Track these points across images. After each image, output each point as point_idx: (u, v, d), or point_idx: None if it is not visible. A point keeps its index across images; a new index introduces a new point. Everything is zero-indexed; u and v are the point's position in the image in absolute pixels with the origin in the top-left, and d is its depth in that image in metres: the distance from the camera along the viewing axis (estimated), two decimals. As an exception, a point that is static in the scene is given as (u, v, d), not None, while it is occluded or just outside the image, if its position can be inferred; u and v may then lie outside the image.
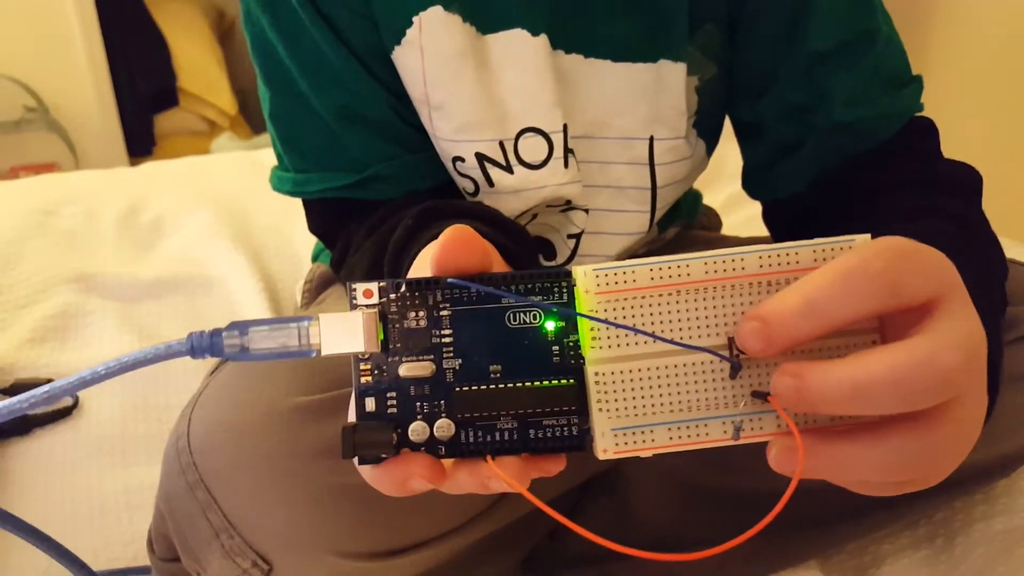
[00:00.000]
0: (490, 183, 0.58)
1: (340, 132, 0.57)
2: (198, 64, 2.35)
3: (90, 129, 2.18)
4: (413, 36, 0.55)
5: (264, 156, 1.40)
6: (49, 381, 0.43)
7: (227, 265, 1.04)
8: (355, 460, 0.31)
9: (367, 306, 0.31)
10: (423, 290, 0.32)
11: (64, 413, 0.80)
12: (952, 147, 0.57)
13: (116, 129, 2.24)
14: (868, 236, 0.30)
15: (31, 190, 1.28)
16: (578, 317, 0.31)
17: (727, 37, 0.59)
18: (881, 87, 0.56)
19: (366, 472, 0.32)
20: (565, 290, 0.31)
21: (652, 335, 0.30)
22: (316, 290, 0.80)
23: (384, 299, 0.31)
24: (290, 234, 1.11)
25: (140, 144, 2.31)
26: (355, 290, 0.32)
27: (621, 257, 0.65)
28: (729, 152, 0.70)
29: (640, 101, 0.58)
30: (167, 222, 1.18)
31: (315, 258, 0.83)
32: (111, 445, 0.77)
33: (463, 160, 0.57)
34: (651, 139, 0.59)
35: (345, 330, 0.31)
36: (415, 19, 0.55)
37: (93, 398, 0.82)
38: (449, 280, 0.31)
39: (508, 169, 0.58)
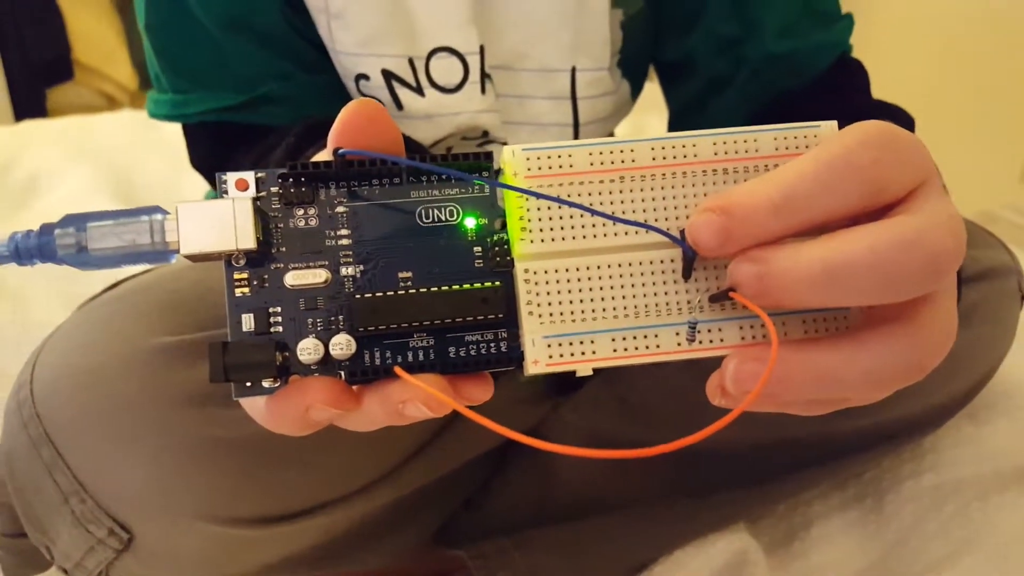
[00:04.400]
0: (399, 106, 0.52)
1: (226, 44, 0.50)
2: (95, 34, 2.19)
3: (-27, 102, 1.98)
4: None
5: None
6: None
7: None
8: (233, 392, 0.25)
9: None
10: (313, 181, 0.26)
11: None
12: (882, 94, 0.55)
13: (3, 102, 2.05)
14: (835, 123, 0.27)
15: None
16: (507, 206, 0.26)
17: None
18: (812, 20, 0.55)
19: (255, 407, 0.25)
20: (488, 176, 0.26)
21: (589, 209, 0.25)
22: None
23: (263, 193, 0.26)
24: (177, 190, 1.04)
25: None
26: (225, 181, 0.26)
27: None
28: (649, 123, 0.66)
29: (562, 27, 0.54)
30: (42, 180, 1.12)
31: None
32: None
33: (368, 79, 0.51)
34: (573, 70, 0.55)
35: (212, 223, 0.25)
36: None
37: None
38: (341, 151, 0.25)
39: (419, 91, 0.52)
